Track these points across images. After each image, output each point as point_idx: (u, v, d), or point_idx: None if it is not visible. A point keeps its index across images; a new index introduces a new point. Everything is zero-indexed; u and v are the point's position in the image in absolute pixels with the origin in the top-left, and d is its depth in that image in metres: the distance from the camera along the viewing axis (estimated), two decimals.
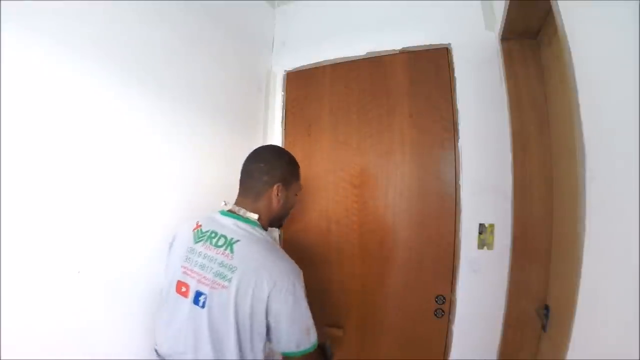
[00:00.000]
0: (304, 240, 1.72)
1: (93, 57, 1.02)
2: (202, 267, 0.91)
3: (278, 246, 0.98)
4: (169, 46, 1.27)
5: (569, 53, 0.79)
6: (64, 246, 0.97)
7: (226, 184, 1.26)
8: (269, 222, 1.04)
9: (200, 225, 0.99)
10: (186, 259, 0.95)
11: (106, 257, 1.07)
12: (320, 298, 1.69)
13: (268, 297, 0.85)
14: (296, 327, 0.88)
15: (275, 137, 1.78)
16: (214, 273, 0.88)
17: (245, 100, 1.69)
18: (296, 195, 1.09)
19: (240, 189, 1.03)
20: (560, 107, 1.09)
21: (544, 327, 1.15)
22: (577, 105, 0.80)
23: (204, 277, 0.89)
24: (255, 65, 1.77)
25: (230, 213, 0.99)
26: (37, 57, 0.89)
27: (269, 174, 1.00)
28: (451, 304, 1.43)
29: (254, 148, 1.08)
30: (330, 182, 1.65)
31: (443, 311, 1.45)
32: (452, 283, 1.43)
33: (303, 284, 0.91)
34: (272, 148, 1.14)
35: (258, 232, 0.96)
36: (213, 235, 0.94)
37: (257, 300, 0.85)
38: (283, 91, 1.82)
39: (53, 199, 0.94)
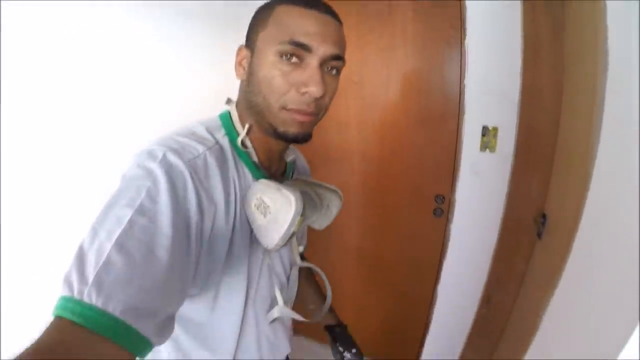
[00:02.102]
0: None
1: None
2: None
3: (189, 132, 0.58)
4: None
5: None
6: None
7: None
8: (255, 126, 0.62)
9: None
10: None
11: None
12: None
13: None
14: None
15: None
16: None
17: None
18: (285, 56, 0.55)
19: None
20: (579, 11, 0.98)
21: (539, 235, 1.20)
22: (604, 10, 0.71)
23: None
24: None
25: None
26: None
27: (247, 34, 0.62)
28: (450, 204, 1.48)
29: None
30: None
31: (442, 210, 1.50)
32: (452, 184, 1.46)
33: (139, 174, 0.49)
34: None
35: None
36: None
37: None
38: None
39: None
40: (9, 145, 0.85)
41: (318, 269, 0.80)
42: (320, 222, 0.78)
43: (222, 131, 0.61)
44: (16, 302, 0.88)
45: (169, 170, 0.47)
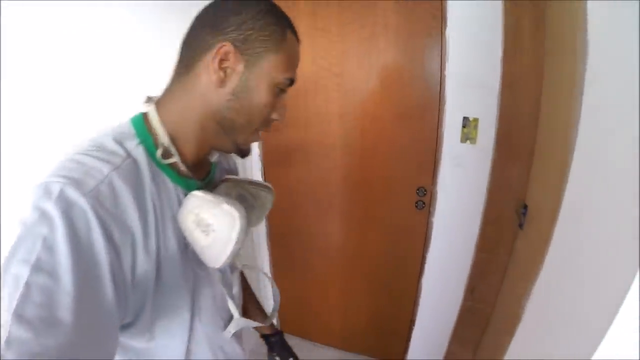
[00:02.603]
0: (283, 133, 1.68)
1: None
2: None
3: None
4: None
5: None
6: None
7: None
8: (201, 134, 0.56)
9: None
10: None
11: None
12: (301, 186, 1.73)
13: None
14: None
15: None
16: None
17: None
18: (278, 88, 0.56)
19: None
20: (560, 2, 0.98)
21: (520, 225, 1.22)
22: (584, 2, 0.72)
23: None
24: None
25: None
26: None
27: (216, 23, 0.52)
28: (432, 196, 1.48)
29: None
30: (309, 70, 1.54)
31: (424, 203, 1.50)
32: (433, 176, 1.45)
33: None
34: None
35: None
36: None
37: None
38: None
39: None
40: (9, 146, 0.83)
41: (259, 268, 0.77)
42: (257, 221, 0.72)
43: (136, 140, 0.51)
44: None
45: (67, 211, 0.40)
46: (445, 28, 1.27)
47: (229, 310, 0.66)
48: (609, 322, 0.56)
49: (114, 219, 0.44)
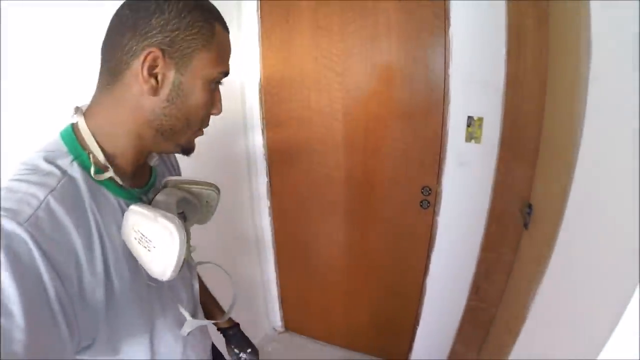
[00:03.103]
0: (286, 132, 1.69)
1: None
2: None
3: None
4: None
5: None
6: None
7: None
8: (137, 142, 0.54)
9: None
10: None
11: None
12: (305, 185, 1.74)
13: None
14: None
15: (251, 26, 1.60)
16: None
17: None
18: (213, 83, 0.55)
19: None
20: (564, 2, 0.98)
21: (525, 225, 1.21)
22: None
23: None
24: None
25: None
26: None
27: (137, 28, 0.48)
28: (437, 195, 1.47)
29: None
30: (311, 70, 1.55)
31: (429, 202, 1.50)
32: (438, 175, 1.45)
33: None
34: None
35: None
36: None
37: None
38: None
39: None
40: (10, 146, 0.83)
41: (216, 263, 0.77)
42: (202, 220, 0.72)
43: (69, 157, 0.49)
44: None
45: (8, 244, 0.39)
46: (448, 27, 1.26)
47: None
48: (615, 323, 0.56)
49: (55, 244, 0.43)
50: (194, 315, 0.68)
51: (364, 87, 1.48)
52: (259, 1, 1.55)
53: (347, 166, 1.62)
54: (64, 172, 0.47)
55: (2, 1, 0.79)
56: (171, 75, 0.50)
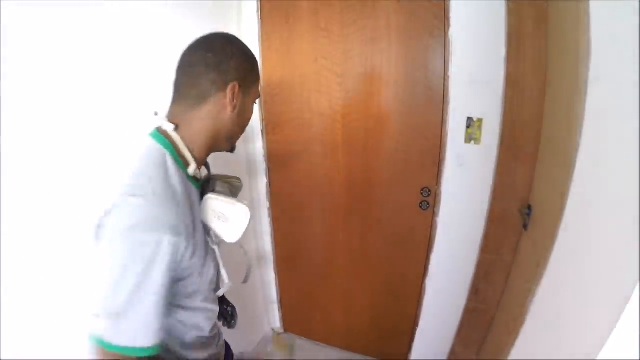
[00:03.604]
0: (286, 133, 1.69)
1: None
2: None
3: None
4: None
5: None
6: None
7: None
8: (212, 144, 0.74)
9: None
10: None
11: None
12: (304, 187, 1.74)
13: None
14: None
15: (251, 26, 1.60)
16: None
17: None
18: (253, 104, 0.80)
19: (174, 95, 0.73)
20: (562, 1, 0.98)
21: (525, 226, 1.21)
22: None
23: None
24: None
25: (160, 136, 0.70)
26: None
27: (220, 68, 0.70)
28: (436, 196, 1.47)
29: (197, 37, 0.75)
30: (311, 71, 1.55)
31: (428, 203, 1.50)
32: (437, 176, 1.45)
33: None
34: (225, 35, 0.75)
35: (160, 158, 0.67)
36: None
37: None
38: None
39: None
40: (10, 146, 0.83)
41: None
42: None
43: (171, 159, 0.68)
44: (16, 302, 0.89)
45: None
46: (448, 28, 1.26)
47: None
48: (613, 323, 0.56)
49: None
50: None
51: (364, 89, 1.48)
52: (259, 2, 1.55)
53: (347, 167, 1.62)
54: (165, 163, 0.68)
55: (2, 1, 0.79)
56: (241, 99, 0.74)
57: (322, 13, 1.46)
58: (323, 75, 1.53)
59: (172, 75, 0.73)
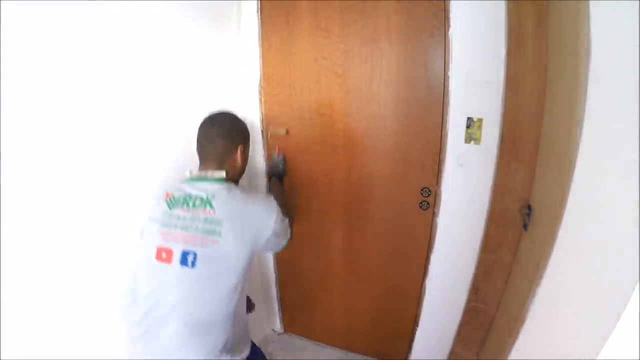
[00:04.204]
0: (284, 135, 1.69)
1: None
2: (185, 227, 0.94)
3: (249, 190, 1.20)
4: None
5: None
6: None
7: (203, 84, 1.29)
8: (233, 180, 1.08)
9: (171, 194, 1.00)
10: (163, 224, 0.96)
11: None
12: (304, 187, 1.74)
13: (258, 236, 0.99)
14: (282, 237, 1.09)
15: (251, 26, 1.60)
16: (201, 231, 0.94)
17: None
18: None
19: (201, 155, 1.06)
20: (563, 3, 0.98)
21: (525, 226, 1.21)
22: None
23: (191, 236, 0.94)
24: None
25: (198, 178, 1.02)
26: None
27: (231, 137, 1.06)
28: (436, 196, 1.47)
29: (209, 115, 1.08)
30: (311, 71, 1.55)
31: (428, 203, 1.50)
32: (437, 176, 1.45)
33: (278, 209, 1.06)
34: (228, 114, 1.11)
35: (228, 184, 1.02)
36: (188, 198, 0.98)
37: (249, 243, 0.98)
38: None
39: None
40: (10, 146, 0.83)
41: None
42: None
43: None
44: (16, 302, 0.89)
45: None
46: (448, 28, 1.26)
47: None
48: (613, 323, 0.56)
49: None
50: None
51: (364, 88, 1.48)
52: (259, 2, 1.55)
53: (347, 167, 1.62)
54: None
55: (2, 1, 0.79)
56: (246, 152, 1.13)
57: (322, 13, 1.46)
58: (323, 75, 1.53)
59: (195, 141, 1.07)
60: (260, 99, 1.67)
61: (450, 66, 1.30)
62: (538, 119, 1.17)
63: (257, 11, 1.56)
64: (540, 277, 0.94)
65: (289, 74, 1.59)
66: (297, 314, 2.09)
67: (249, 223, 0.98)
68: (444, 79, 1.33)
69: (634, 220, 0.56)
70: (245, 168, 1.14)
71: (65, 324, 1.02)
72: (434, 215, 1.50)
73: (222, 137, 1.04)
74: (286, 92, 1.62)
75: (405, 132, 1.47)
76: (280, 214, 1.05)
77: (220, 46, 1.51)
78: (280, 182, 1.60)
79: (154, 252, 0.96)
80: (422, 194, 1.50)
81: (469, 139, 1.34)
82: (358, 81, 1.48)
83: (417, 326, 1.72)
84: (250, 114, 1.70)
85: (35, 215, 0.91)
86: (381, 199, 1.60)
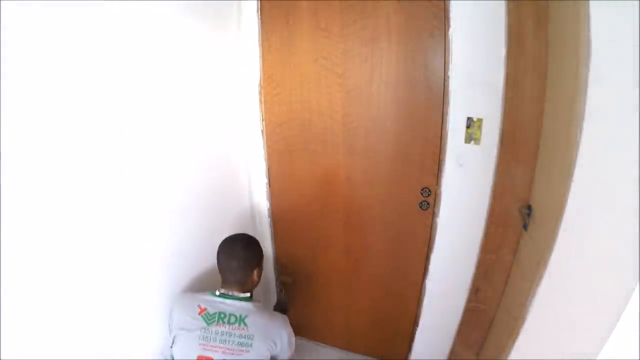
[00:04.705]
0: (286, 133, 1.69)
1: None
2: (224, 341, 1.16)
3: (268, 309, 1.44)
4: None
5: None
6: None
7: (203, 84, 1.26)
8: (251, 291, 1.33)
9: (206, 309, 1.21)
10: (204, 337, 1.17)
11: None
12: (304, 187, 1.74)
13: (278, 349, 1.23)
14: (292, 345, 1.31)
15: (251, 26, 1.60)
16: (236, 343, 1.16)
17: None
18: None
19: (224, 279, 1.28)
20: (563, 1, 0.98)
21: (525, 226, 1.21)
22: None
23: (228, 348, 1.16)
24: None
25: (227, 296, 1.24)
26: None
27: (248, 265, 1.28)
28: (436, 196, 1.47)
29: (225, 239, 1.33)
30: (311, 71, 1.55)
31: (428, 203, 1.50)
32: (437, 176, 1.45)
33: (290, 328, 1.31)
34: (242, 242, 1.34)
35: (254, 304, 1.26)
36: (223, 315, 1.20)
37: (271, 350, 1.21)
38: None
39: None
40: (10, 146, 0.83)
41: None
42: None
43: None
44: (16, 302, 0.89)
45: None
46: (448, 28, 1.26)
47: None
48: (613, 323, 0.56)
49: None
50: None
51: (364, 88, 1.48)
52: (259, 2, 1.55)
53: (347, 167, 1.62)
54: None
55: (2, 1, 0.79)
56: (260, 270, 1.35)
57: (322, 13, 1.46)
58: (323, 75, 1.53)
59: (217, 259, 1.28)
60: (260, 99, 1.67)
61: (450, 66, 1.29)
62: (538, 119, 1.17)
63: (257, 11, 1.56)
64: (540, 277, 0.94)
65: (289, 74, 1.59)
66: (298, 314, 2.08)
67: (272, 338, 1.21)
68: (444, 79, 1.33)
69: (634, 220, 0.56)
70: (260, 281, 1.37)
71: (65, 324, 1.02)
72: (434, 215, 1.50)
73: (242, 269, 1.26)
74: (286, 92, 1.62)
75: (405, 132, 1.47)
76: (291, 329, 1.31)
77: (220, 46, 1.51)
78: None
79: (194, 359, 1.16)
80: (422, 194, 1.50)
81: (469, 139, 1.34)
82: (358, 81, 1.48)
83: (417, 326, 1.72)
84: (250, 114, 1.70)
85: (35, 215, 0.91)
86: (381, 199, 1.60)
